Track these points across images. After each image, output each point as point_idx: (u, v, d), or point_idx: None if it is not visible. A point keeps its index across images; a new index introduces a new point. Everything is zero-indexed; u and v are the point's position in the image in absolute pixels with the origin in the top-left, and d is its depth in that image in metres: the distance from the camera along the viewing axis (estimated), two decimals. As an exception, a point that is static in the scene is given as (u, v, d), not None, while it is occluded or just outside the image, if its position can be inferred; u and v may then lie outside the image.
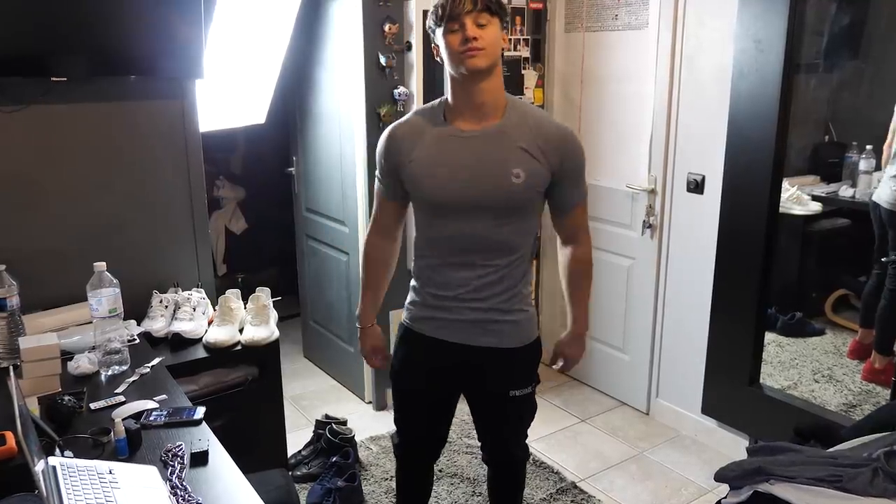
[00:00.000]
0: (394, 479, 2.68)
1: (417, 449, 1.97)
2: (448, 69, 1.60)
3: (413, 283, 1.82)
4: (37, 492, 1.16)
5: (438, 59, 1.63)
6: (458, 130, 1.63)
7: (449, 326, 1.74)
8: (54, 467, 1.21)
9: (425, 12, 2.87)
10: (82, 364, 1.86)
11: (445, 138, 1.64)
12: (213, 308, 2.45)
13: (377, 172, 1.77)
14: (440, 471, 2.73)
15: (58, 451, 1.42)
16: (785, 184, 2.67)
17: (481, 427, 1.93)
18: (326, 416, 2.87)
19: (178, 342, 2.26)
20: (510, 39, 3.27)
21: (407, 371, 1.85)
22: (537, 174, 1.62)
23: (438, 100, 1.71)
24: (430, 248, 1.73)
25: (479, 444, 1.98)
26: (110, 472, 1.28)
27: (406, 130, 1.69)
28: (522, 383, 1.80)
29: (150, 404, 1.68)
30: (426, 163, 1.64)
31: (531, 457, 2.84)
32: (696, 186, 2.82)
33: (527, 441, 1.96)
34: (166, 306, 2.36)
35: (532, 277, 1.82)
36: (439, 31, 1.57)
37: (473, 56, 1.53)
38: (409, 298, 1.83)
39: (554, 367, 1.93)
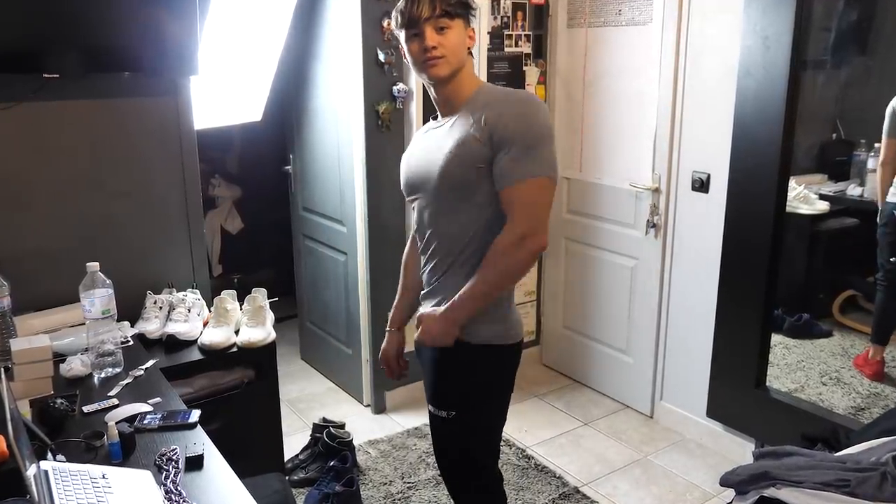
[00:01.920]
0: (392, 483, 2.69)
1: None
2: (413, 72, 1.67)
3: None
4: (28, 497, 1.15)
5: (405, 60, 1.65)
6: (435, 123, 1.69)
7: None
8: (46, 472, 1.21)
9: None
10: (75, 366, 1.86)
11: (422, 134, 1.72)
12: (209, 309, 2.45)
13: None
14: (441, 475, 2.73)
15: (50, 455, 1.42)
16: (791, 182, 2.67)
17: None
18: (324, 420, 2.87)
19: (172, 344, 2.26)
20: (511, 35, 3.27)
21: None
22: (468, 144, 1.53)
23: None
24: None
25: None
26: (103, 477, 1.28)
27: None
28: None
29: (144, 407, 1.68)
30: (403, 159, 1.75)
31: (533, 461, 2.84)
32: (701, 185, 2.82)
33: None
34: (160, 307, 2.36)
35: None
36: (401, 36, 1.59)
37: (434, 65, 1.55)
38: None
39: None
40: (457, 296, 1.59)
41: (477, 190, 1.57)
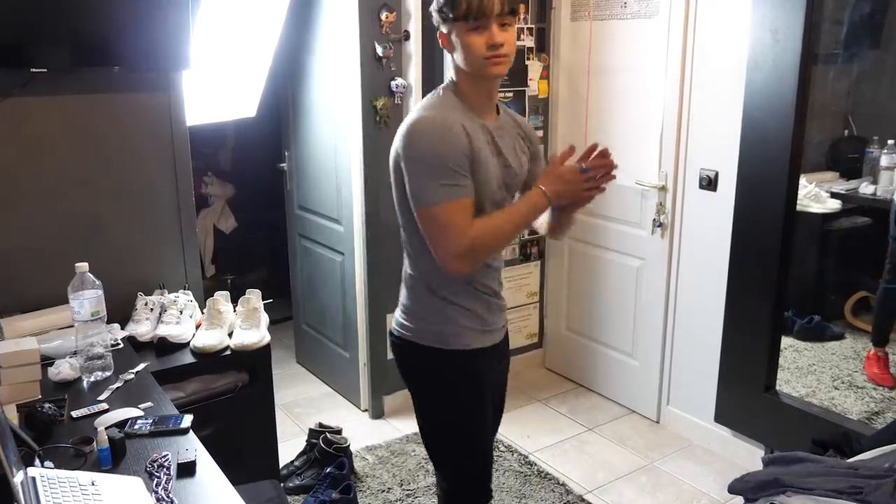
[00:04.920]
0: (391, 490, 2.69)
1: None
2: (461, 65, 1.58)
3: (448, 298, 1.69)
4: (15, 504, 1.16)
5: (445, 48, 1.60)
6: (487, 122, 1.65)
7: (494, 329, 1.77)
8: (34, 478, 1.22)
9: (425, 0, 2.88)
10: (63, 370, 1.86)
11: (488, 131, 1.63)
12: (201, 311, 2.45)
13: (442, 176, 1.53)
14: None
15: (38, 461, 1.42)
16: (802, 180, 2.67)
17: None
18: (320, 425, 2.87)
19: (164, 347, 2.25)
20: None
21: (470, 397, 1.77)
22: (527, 157, 1.76)
23: (446, 91, 1.64)
24: None
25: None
26: (93, 484, 1.28)
27: (457, 120, 1.57)
28: None
29: (134, 412, 1.68)
30: (486, 156, 1.60)
31: (536, 467, 2.84)
32: (709, 183, 2.82)
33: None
34: (152, 309, 2.36)
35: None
36: (459, 25, 1.53)
37: (500, 63, 1.55)
38: (434, 325, 1.69)
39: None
40: None
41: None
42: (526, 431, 3.14)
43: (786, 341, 2.88)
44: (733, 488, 1.55)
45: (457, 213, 1.53)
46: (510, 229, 1.60)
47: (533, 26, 3.34)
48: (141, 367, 1.96)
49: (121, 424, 1.60)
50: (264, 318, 2.45)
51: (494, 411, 1.87)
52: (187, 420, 1.62)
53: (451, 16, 1.52)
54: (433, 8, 1.58)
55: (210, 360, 2.26)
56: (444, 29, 1.57)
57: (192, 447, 1.52)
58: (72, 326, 1.92)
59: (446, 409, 1.75)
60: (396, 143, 1.59)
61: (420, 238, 1.61)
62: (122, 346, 2.12)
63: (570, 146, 1.65)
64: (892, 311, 2.99)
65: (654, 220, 3.06)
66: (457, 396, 1.73)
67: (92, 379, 1.86)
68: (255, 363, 2.35)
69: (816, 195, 3.05)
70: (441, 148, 1.52)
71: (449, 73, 1.66)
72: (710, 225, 2.85)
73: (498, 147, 1.65)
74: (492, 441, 1.88)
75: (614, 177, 1.68)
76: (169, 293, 2.47)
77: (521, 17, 3.28)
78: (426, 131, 1.54)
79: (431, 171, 1.52)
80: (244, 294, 2.44)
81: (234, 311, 2.44)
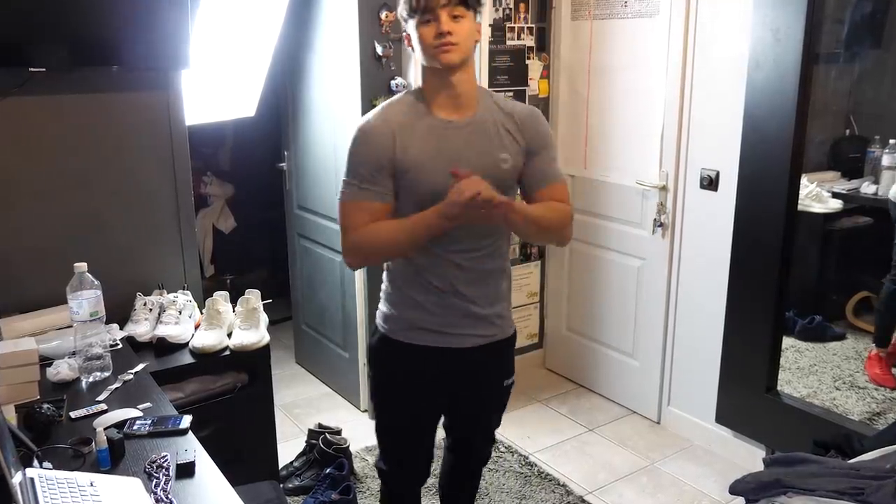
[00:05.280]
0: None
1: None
2: (421, 60, 1.65)
3: (388, 288, 1.81)
4: (14, 505, 1.16)
5: (410, 48, 1.67)
6: (446, 121, 1.66)
7: (451, 333, 1.75)
8: (32, 479, 1.22)
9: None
10: (62, 370, 1.86)
11: (437, 129, 1.66)
12: (200, 311, 2.45)
13: (352, 177, 1.66)
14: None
15: (36, 462, 1.42)
16: (803, 180, 2.67)
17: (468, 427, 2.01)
18: (319, 426, 2.87)
19: (163, 347, 2.25)
20: (513, 28, 3.28)
21: (401, 387, 1.85)
22: (518, 154, 1.71)
23: (411, 90, 1.74)
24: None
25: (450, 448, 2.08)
26: (91, 485, 1.28)
27: (392, 123, 1.65)
28: (511, 371, 1.93)
29: (133, 413, 1.68)
30: (423, 155, 1.64)
31: (536, 468, 2.84)
32: (710, 183, 2.83)
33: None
34: (150, 309, 2.36)
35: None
36: (412, 22, 1.60)
37: (448, 51, 1.58)
38: (386, 307, 1.81)
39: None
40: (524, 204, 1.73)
41: (514, 190, 1.76)
42: (526, 432, 3.14)
43: (787, 342, 2.88)
44: (734, 489, 1.55)
45: (353, 213, 1.67)
46: (394, 240, 1.65)
47: (533, 25, 3.34)
48: (140, 367, 1.96)
49: (120, 425, 1.60)
50: (263, 319, 2.45)
51: (457, 413, 1.96)
52: (186, 421, 1.62)
53: (405, 14, 1.62)
54: (399, 14, 1.66)
55: (209, 361, 2.26)
56: (407, 29, 1.64)
57: (191, 448, 1.52)
58: (70, 327, 1.92)
59: (377, 392, 1.90)
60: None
61: None
62: (120, 346, 2.12)
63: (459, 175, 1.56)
64: None
65: (655, 219, 3.06)
66: (387, 385, 1.86)
67: (91, 379, 1.86)
68: (254, 363, 2.35)
69: (818, 195, 3.06)
70: (358, 150, 1.66)
71: None
72: (711, 225, 2.85)
73: (452, 146, 1.64)
74: (426, 434, 1.94)
75: (497, 201, 1.55)
76: (168, 293, 2.47)
77: (523, 15, 3.27)
78: (355, 133, 1.67)
79: (347, 170, 1.67)
80: (243, 294, 2.44)
81: (234, 311, 2.44)
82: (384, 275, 1.83)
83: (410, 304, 1.74)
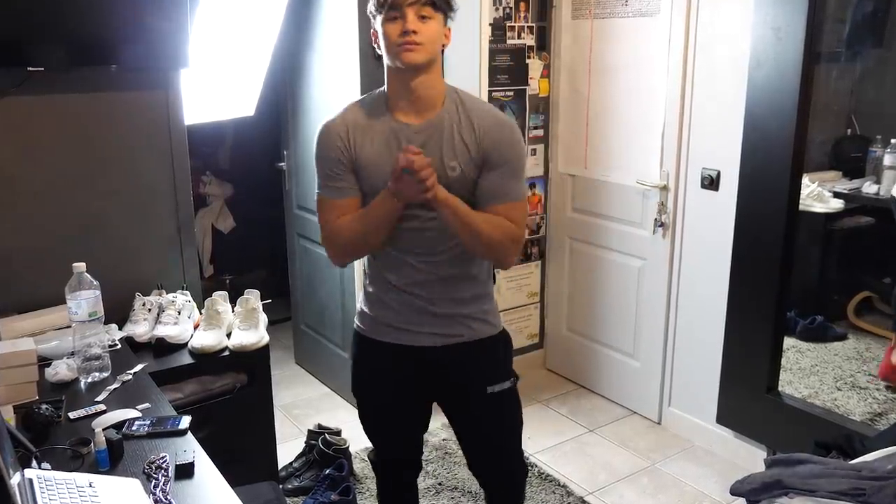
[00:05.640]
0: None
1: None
2: (384, 58, 1.64)
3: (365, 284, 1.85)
4: (12, 506, 1.15)
5: (375, 46, 1.65)
6: (403, 124, 1.65)
7: (413, 331, 1.76)
8: (31, 480, 1.22)
9: None
10: (61, 371, 1.85)
11: (391, 132, 1.66)
12: (199, 311, 2.45)
13: (319, 176, 1.70)
14: (439, 484, 2.73)
15: (35, 463, 1.42)
16: (805, 180, 2.67)
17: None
18: (319, 426, 2.87)
19: (162, 347, 2.26)
20: (513, 27, 3.27)
21: (371, 383, 1.88)
22: (469, 164, 1.64)
23: (378, 91, 1.74)
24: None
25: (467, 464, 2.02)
26: (90, 486, 1.28)
27: (348, 122, 1.69)
28: (497, 378, 1.80)
29: (132, 413, 1.68)
30: (374, 157, 1.65)
31: (537, 469, 2.84)
32: (711, 182, 2.82)
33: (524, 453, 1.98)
34: (149, 309, 2.36)
35: (487, 266, 1.80)
36: (379, 18, 1.59)
37: (411, 50, 1.56)
38: (360, 305, 1.85)
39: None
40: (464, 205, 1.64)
41: (466, 200, 1.65)
42: (526, 433, 3.11)
43: (788, 342, 2.88)
44: (735, 490, 1.55)
45: (323, 210, 1.70)
46: (357, 229, 1.66)
47: (534, 25, 3.34)
48: (139, 367, 1.96)
49: (118, 426, 1.60)
50: (263, 319, 2.45)
51: (461, 436, 1.96)
52: (185, 421, 1.62)
53: (373, 10, 1.61)
54: (368, 9, 1.65)
55: (208, 361, 2.26)
56: (374, 26, 1.63)
57: (191, 448, 1.52)
58: (69, 327, 1.92)
59: (353, 386, 1.92)
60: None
61: None
62: (119, 346, 2.12)
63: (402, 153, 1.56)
64: None
65: (656, 219, 3.06)
66: (357, 378, 1.90)
67: (89, 380, 1.86)
68: (253, 364, 2.35)
69: (819, 195, 3.06)
70: (319, 151, 1.70)
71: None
72: (712, 225, 2.85)
73: (393, 150, 1.63)
74: (405, 427, 1.94)
75: (427, 177, 1.53)
76: (167, 293, 2.47)
77: (523, 14, 3.27)
78: (318, 133, 1.72)
79: (316, 170, 1.72)
80: (243, 294, 2.44)
81: (233, 311, 2.44)
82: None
83: (376, 302, 1.77)
